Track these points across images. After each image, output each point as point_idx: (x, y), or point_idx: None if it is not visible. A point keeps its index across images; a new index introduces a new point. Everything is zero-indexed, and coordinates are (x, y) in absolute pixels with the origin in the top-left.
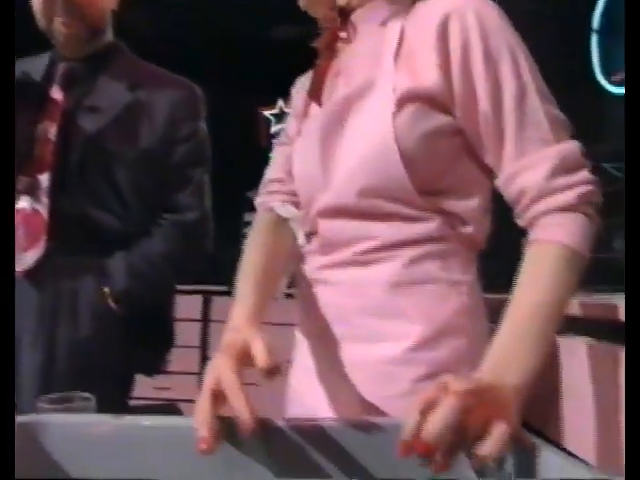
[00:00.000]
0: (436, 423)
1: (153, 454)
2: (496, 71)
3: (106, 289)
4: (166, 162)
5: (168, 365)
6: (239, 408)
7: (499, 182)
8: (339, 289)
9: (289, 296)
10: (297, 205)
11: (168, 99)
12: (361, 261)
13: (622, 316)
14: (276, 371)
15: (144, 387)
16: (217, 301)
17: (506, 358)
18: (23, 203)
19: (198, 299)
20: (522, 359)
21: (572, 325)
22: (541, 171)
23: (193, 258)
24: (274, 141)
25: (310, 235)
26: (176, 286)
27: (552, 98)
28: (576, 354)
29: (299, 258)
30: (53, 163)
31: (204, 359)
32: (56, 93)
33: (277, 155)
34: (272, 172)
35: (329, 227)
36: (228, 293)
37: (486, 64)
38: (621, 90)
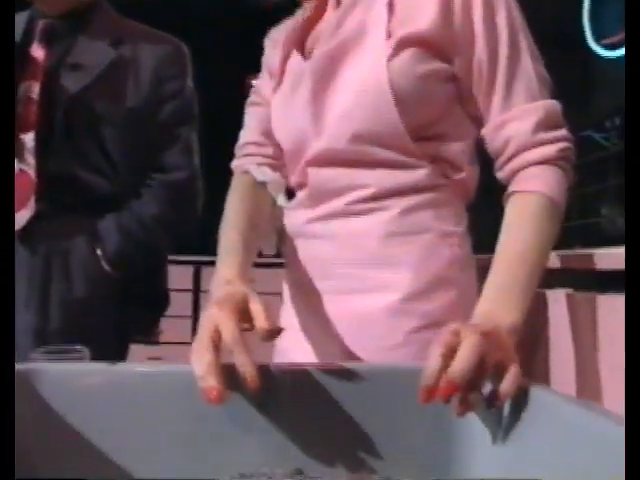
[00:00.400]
0: (462, 362)
1: (146, 399)
2: (494, 22)
3: (98, 251)
4: (153, 120)
5: (161, 332)
6: (244, 362)
7: (485, 131)
8: (329, 241)
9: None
10: (274, 167)
11: (153, 55)
12: (353, 212)
13: (598, 265)
14: (276, 333)
15: (137, 356)
16: (208, 271)
17: (499, 302)
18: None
19: (189, 269)
20: (514, 302)
21: (551, 278)
22: (527, 124)
23: (184, 218)
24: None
25: (296, 189)
26: (168, 247)
27: (540, 57)
28: (556, 304)
29: (279, 219)
30: (37, 123)
31: (196, 329)
32: (36, 51)
33: (250, 117)
34: (246, 135)
35: (320, 176)
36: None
37: (486, 13)
38: (612, 53)
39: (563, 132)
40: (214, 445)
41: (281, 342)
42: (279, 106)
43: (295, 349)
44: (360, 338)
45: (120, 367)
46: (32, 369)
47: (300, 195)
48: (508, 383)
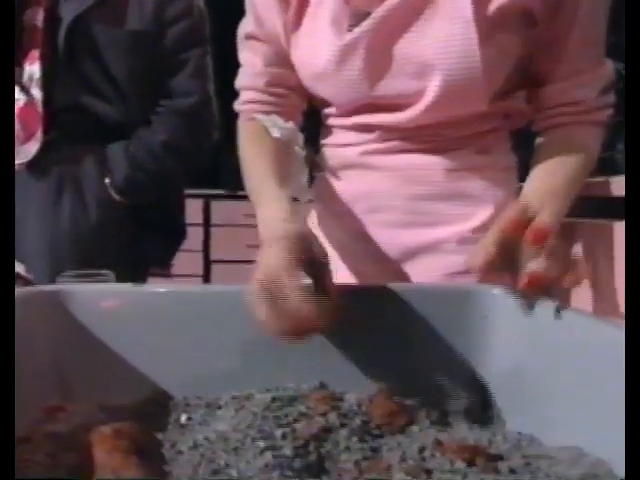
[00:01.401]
0: (553, 252)
1: (175, 318)
2: None
3: (107, 180)
4: (159, 44)
5: (172, 266)
6: (305, 313)
7: (544, 90)
8: (390, 174)
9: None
10: (285, 115)
11: None
12: (425, 149)
13: (615, 192)
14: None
15: None
16: (218, 205)
17: (540, 199)
18: (16, 95)
19: (198, 203)
20: (553, 204)
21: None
22: (592, 91)
23: (197, 146)
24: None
25: (336, 120)
26: (182, 176)
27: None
28: (575, 233)
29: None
30: (42, 51)
31: (207, 263)
32: None
33: (250, 54)
34: (248, 77)
35: (385, 121)
36: (228, 197)
37: None
38: None
39: (611, 97)
40: (240, 361)
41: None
42: (316, 52)
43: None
44: (422, 268)
45: (148, 288)
46: (62, 290)
47: (351, 128)
48: (577, 276)
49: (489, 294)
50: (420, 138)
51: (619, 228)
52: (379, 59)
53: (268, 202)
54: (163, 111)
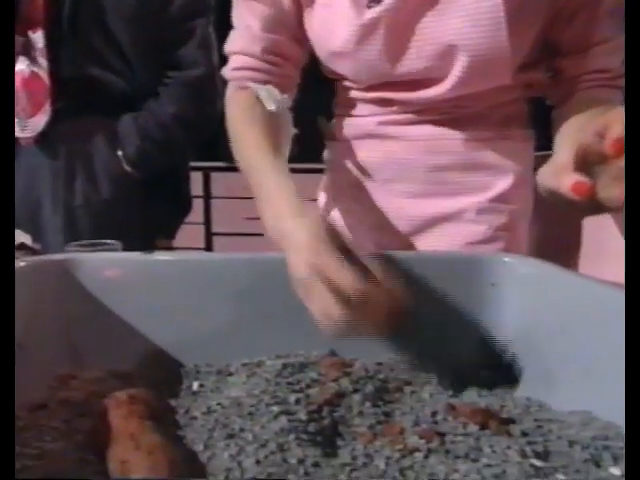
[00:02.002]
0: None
1: (183, 286)
2: None
3: (119, 152)
4: (164, 13)
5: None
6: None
7: (569, 59)
8: (411, 145)
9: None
10: (279, 86)
11: None
12: (444, 120)
13: None
14: None
15: None
16: (217, 177)
17: None
18: (20, 65)
19: (198, 176)
20: None
21: None
22: (618, 58)
23: (204, 117)
24: None
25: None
26: (189, 147)
27: None
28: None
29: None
30: (45, 19)
31: (208, 235)
32: None
33: (246, 16)
34: (243, 41)
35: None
36: (227, 169)
37: None
38: None
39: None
40: (249, 329)
41: None
42: (333, 30)
43: None
44: (441, 238)
45: (157, 255)
46: (70, 258)
47: (369, 101)
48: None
49: (499, 262)
50: (440, 110)
51: None
52: (400, 39)
53: (267, 172)
54: (171, 82)
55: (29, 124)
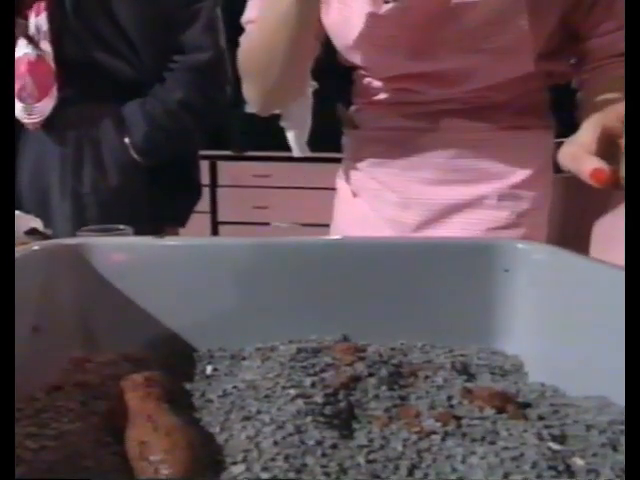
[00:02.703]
0: None
1: (197, 270)
2: None
3: (126, 140)
4: None
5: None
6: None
7: (591, 43)
8: (432, 133)
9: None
10: None
11: None
12: (467, 109)
13: None
14: None
15: None
16: (224, 166)
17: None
18: (25, 49)
19: (205, 164)
20: None
21: None
22: None
23: (212, 103)
24: None
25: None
26: (198, 133)
27: None
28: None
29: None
30: (49, 2)
31: (215, 224)
32: None
33: None
34: (256, 10)
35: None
36: (234, 158)
37: None
38: None
39: None
40: (261, 314)
41: (336, 226)
42: (349, 21)
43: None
44: (463, 223)
45: (169, 240)
46: (83, 243)
47: (388, 91)
48: None
49: (512, 248)
50: (462, 100)
51: None
52: (418, 35)
53: None
54: (177, 67)
55: (36, 109)
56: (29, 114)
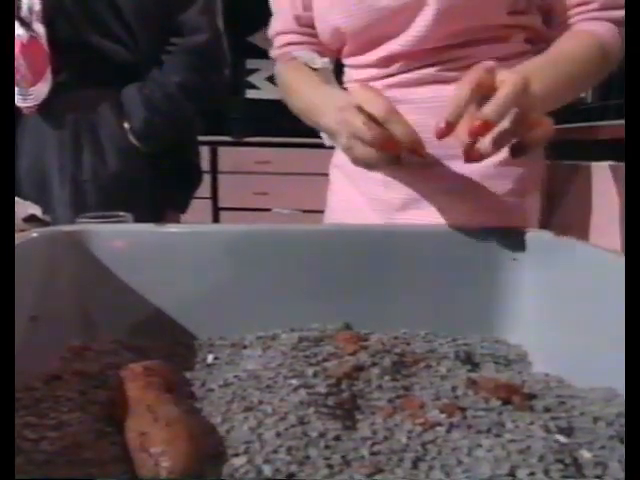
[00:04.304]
0: (501, 101)
1: (196, 257)
2: None
3: (126, 125)
4: None
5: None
6: (406, 132)
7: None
8: (413, 108)
9: None
10: (319, 52)
11: None
12: (449, 79)
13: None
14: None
15: None
16: (224, 151)
17: (533, 74)
18: (18, 30)
19: (205, 150)
20: (545, 83)
21: (595, 150)
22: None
23: (210, 85)
24: None
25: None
26: (197, 117)
27: None
28: (600, 175)
29: None
30: None
31: (215, 210)
32: None
33: (279, 4)
34: (283, 22)
35: (408, 55)
36: (235, 143)
37: None
38: None
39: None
40: (262, 302)
41: (332, 213)
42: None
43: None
44: (450, 203)
45: (170, 227)
46: (83, 230)
47: (369, 66)
48: (539, 133)
49: (520, 236)
50: (441, 66)
51: (598, 169)
52: None
53: (320, 87)
54: (174, 50)
55: (31, 93)
56: (24, 98)
